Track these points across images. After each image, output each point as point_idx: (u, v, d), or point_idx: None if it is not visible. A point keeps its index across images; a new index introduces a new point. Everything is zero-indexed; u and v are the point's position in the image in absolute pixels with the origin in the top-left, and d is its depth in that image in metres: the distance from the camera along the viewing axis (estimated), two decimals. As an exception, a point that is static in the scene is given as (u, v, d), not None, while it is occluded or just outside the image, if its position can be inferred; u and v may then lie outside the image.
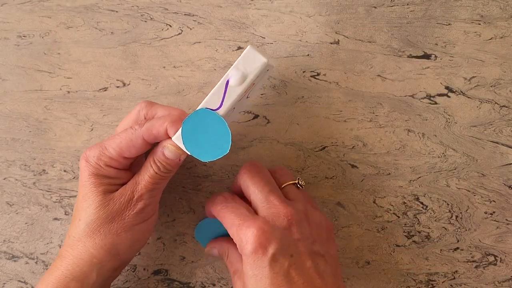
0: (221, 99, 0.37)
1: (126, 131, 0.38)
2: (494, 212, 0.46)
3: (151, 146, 0.39)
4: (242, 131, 0.46)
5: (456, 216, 0.46)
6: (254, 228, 0.36)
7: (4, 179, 0.45)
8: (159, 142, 0.39)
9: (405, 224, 0.46)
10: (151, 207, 0.39)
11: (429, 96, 0.46)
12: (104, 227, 0.38)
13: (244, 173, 0.40)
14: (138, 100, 0.46)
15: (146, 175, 0.39)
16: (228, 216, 0.38)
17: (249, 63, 0.37)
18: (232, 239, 0.38)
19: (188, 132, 0.37)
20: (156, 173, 0.38)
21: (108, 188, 0.38)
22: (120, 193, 0.38)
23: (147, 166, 0.39)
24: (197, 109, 0.37)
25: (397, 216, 0.46)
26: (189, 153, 0.37)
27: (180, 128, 0.37)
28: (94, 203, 0.37)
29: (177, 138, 0.37)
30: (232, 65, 0.46)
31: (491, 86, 0.46)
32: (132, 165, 0.41)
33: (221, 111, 0.37)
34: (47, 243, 0.45)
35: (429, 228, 0.46)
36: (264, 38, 0.46)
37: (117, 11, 0.46)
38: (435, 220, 0.46)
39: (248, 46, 0.37)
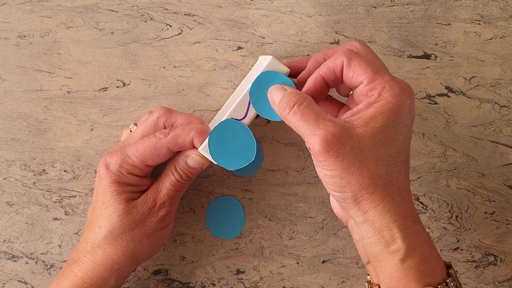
0: (245, 110, 0.38)
1: (149, 139, 0.38)
2: (494, 212, 0.46)
3: (173, 154, 0.39)
4: (242, 131, 0.46)
5: (456, 216, 0.46)
6: None
7: (4, 179, 0.45)
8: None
9: (405, 224, 0.46)
10: (171, 214, 0.40)
11: (429, 96, 0.46)
12: (126, 234, 0.38)
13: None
14: (138, 100, 0.46)
15: (167, 183, 0.39)
16: None
17: None
18: None
19: (215, 143, 0.38)
20: (178, 181, 0.39)
21: (130, 196, 0.38)
22: (143, 200, 0.38)
23: (168, 174, 0.39)
24: (224, 119, 0.38)
25: (397, 216, 0.46)
26: (215, 163, 0.38)
27: (207, 139, 0.37)
28: (117, 211, 0.38)
29: (203, 149, 0.38)
30: (233, 65, 0.46)
31: (491, 86, 0.46)
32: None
33: (246, 121, 0.38)
34: (47, 243, 0.45)
35: (429, 228, 0.46)
36: (264, 38, 0.46)
37: (117, 11, 0.46)
38: (435, 220, 0.46)
39: (271, 57, 0.38)
